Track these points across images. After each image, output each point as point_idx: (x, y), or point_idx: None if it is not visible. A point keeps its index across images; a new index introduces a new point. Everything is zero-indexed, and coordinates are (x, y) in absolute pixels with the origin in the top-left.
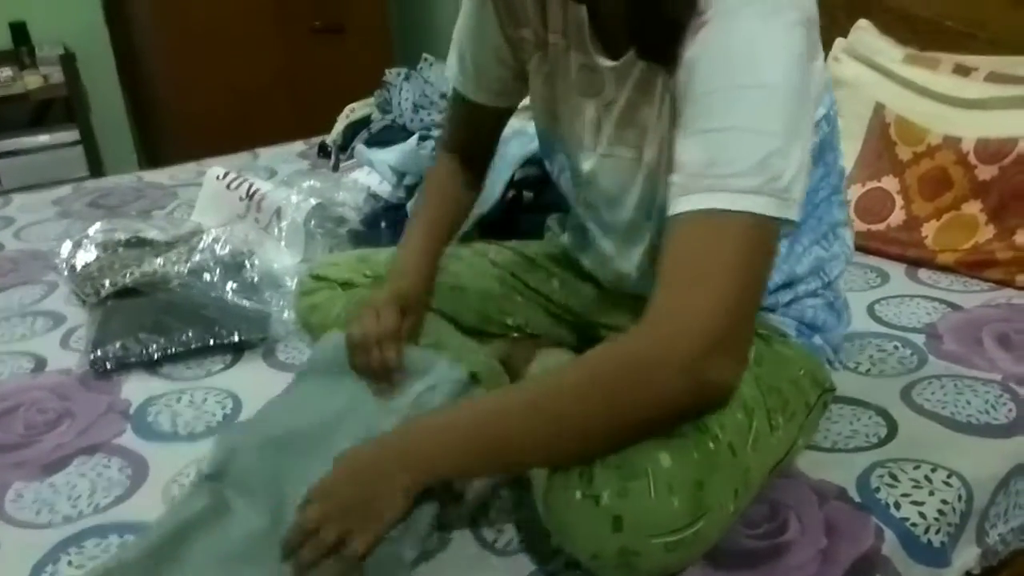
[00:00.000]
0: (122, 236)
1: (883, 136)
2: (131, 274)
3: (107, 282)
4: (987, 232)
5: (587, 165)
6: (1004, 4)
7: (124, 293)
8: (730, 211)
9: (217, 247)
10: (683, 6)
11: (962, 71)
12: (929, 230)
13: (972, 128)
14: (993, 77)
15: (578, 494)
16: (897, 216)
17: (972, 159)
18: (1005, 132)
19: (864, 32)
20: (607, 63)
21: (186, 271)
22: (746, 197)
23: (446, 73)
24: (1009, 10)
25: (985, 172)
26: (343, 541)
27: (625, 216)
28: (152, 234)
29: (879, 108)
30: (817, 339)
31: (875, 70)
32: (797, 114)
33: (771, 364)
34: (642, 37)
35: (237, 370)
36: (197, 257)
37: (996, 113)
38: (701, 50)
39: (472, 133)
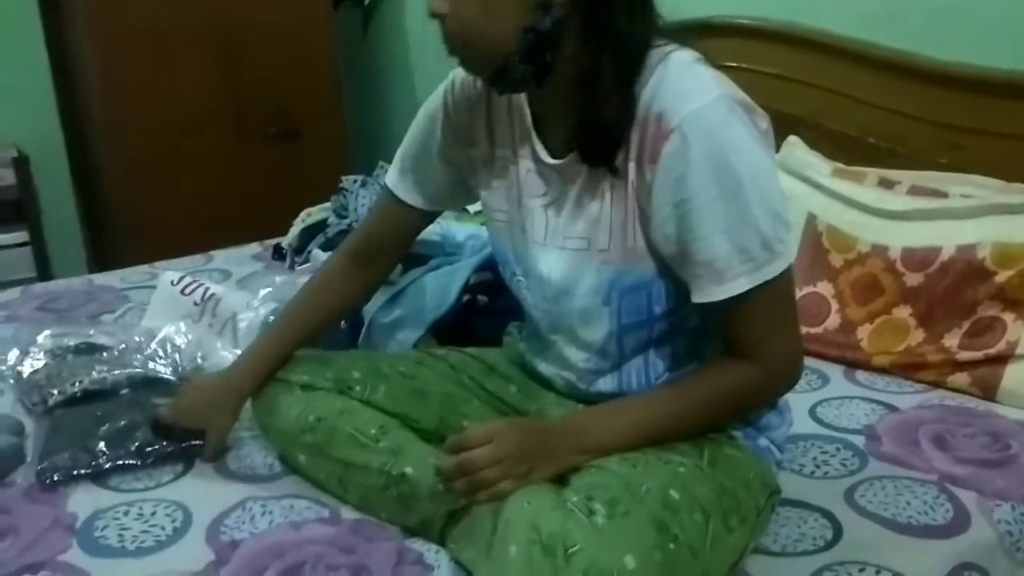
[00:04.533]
0: (71, 342)
1: (816, 244)
2: (80, 383)
3: (55, 391)
4: (918, 336)
5: (540, 261)
6: (921, 123)
7: (73, 402)
8: (769, 280)
9: (169, 348)
10: (618, 122)
11: (886, 184)
12: (864, 333)
13: (898, 237)
14: (914, 190)
15: None
16: (833, 320)
17: (899, 267)
18: (928, 242)
19: (794, 147)
20: (553, 162)
21: (138, 378)
22: (772, 265)
23: (384, 180)
24: (926, 128)
25: (912, 279)
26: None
27: (577, 305)
28: (102, 340)
29: (811, 218)
30: (763, 440)
31: (806, 183)
32: (776, 182)
33: (724, 466)
34: (583, 144)
35: (187, 480)
36: (149, 364)
37: (919, 224)
38: (686, 161)
39: (389, 234)
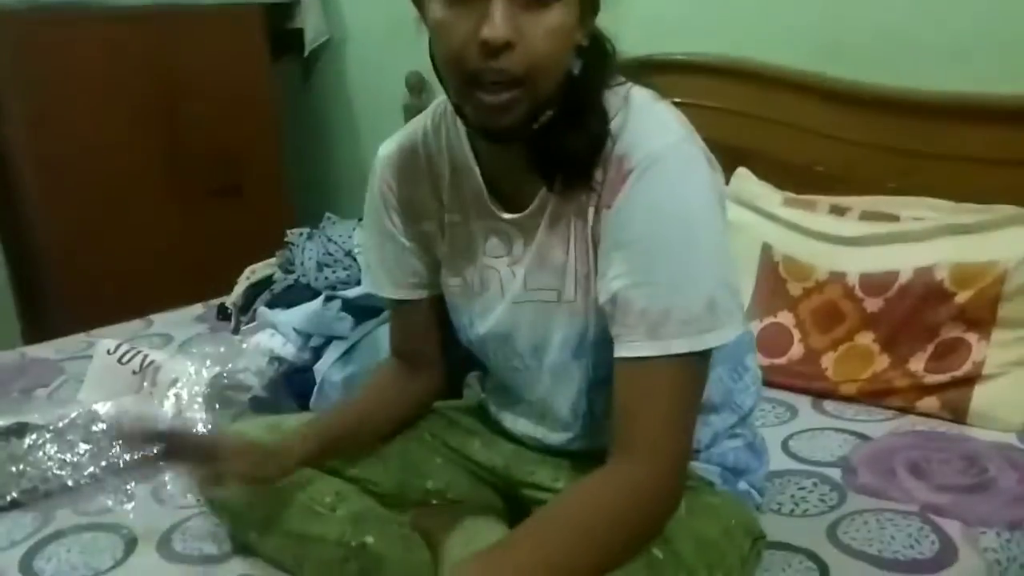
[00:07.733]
0: (2, 423)
1: (773, 274)
2: (11, 496)
3: None
4: (882, 361)
5: (506, 319)
6: (869, 149)
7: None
8: (691, 352)
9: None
10: (594, 139)
11: (838, 211)
12: (828, 362)
13: (854, 263)
14: (866, 216)
15: None
16: (797, 349)
17: (858, 292)
18: (885, 266)
19: (744, 179)
20: (512, 217)
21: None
22: (715, 332)
23: (369, 288)
24: (873, 154)
25: (872, 304)
26: None
27: (551, 360)
28: (34, 418)
29: (767, 247)
30: (742, 484)
31: (758, 213)
32: (725, 247)
33: (703, 516)
34: (555, 174)
35: (130, 564)
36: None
37: (874, 249)
38: (637, 204)
39: (410, 331)
